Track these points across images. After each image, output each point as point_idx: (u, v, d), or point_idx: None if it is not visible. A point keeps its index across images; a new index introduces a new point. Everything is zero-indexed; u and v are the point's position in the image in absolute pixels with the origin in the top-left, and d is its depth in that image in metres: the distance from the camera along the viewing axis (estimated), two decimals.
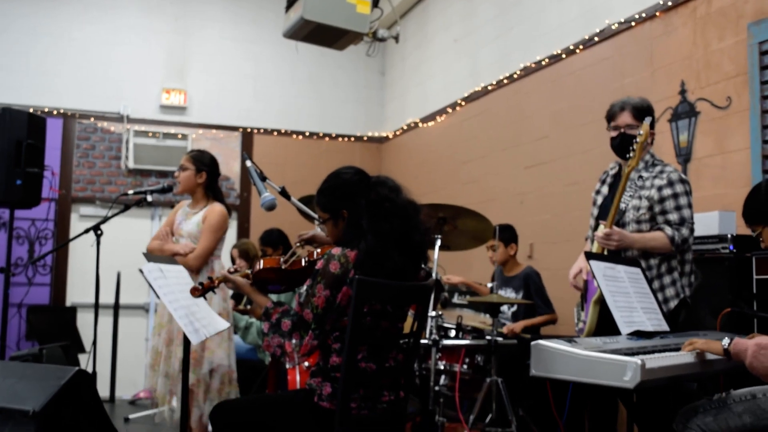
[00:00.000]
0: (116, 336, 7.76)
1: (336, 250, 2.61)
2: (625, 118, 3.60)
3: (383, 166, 9.09)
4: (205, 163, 4.45)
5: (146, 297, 8.41)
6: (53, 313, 7.52)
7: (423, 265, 2.80)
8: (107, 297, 7.47)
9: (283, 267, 2.84)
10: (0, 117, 5.86)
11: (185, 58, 8.77)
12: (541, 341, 2.36)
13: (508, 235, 5.31)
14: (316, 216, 3.06)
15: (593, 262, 2.90)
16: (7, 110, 5.87)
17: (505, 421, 4.23)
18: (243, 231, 8.72)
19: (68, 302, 8.12)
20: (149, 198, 4.41)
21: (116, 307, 7.76)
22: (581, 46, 5.69)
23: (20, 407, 2.46)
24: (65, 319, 7.03)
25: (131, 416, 6.50)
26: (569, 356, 2.30)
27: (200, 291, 2.78)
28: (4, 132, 5.79)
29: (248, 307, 5.56)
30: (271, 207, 3.08)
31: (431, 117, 8.02)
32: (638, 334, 2.79)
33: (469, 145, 7.23)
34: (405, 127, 8.68)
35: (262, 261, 2.86)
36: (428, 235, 2.80)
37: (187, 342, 3.04)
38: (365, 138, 9.32)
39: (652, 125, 3.53)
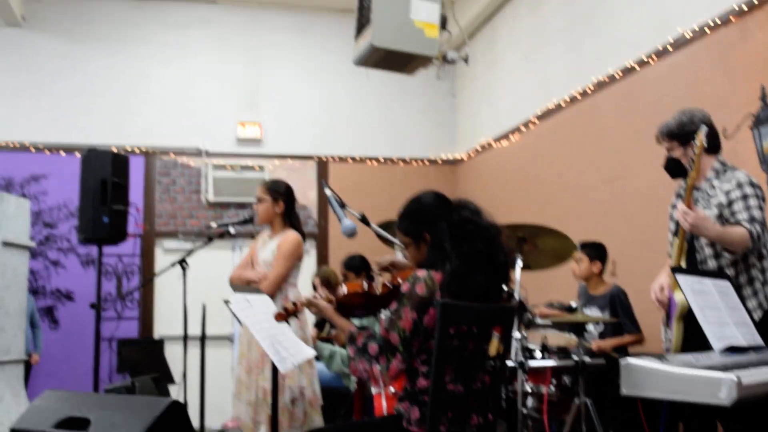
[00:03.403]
0: (203, 366, 7.89)
1: (421, 272, 2.62)
2: (664, 143, 3.68)
3: (458, 188, 9.07)
4: (280, 192, 4.52)
5: (231, 327, 8.55)
6: (143, 346, 7.71)
7: (505, 286, 2.79)
8: (193, 328, 7.63)
9: (367, 291, 2.87)
10: (86, 158, 6.10)
11: (258, 90, 8.96)
12: (630, 359, 2.31)
13: (593, 251, 5.22)
14: (396, 241, 3.07)
15: (680, 277, 2.83)
16: (93, 151, 6.10)
17: None
18: (322, 258, 8.81)
19: (156, 335, 8.32)
20: (232, 230, 4.51)
21: (203, 339, 7.89)
22: (654, 56, 5.59)
23: None
24: (154, 351, 7.20)
25: None
26: (660, 374, 2.24)
27: (284, 316, 2.82)
28: (90, 172, 6.02)
29: (332, 333, 5.59)
30: (351, 234, 3.11)
31: (504, 136, 7.99)
32: (731, 350, 2.70)
33: (544, 163, 7.17)
34: (479, 148, 8.66)
35: (345, 286, 2.89)
36: (510, 256, 2.79)
37: (275, 369, 3.08)
38: (439, 161, 9.33)
39: (714, 136, 3.48)
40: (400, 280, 2.87)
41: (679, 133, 3.57)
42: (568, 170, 6.75)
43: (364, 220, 3.32)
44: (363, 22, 5.96)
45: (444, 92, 9.45)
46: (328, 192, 3.23)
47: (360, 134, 9.19)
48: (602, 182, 6.22)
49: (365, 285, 2.90)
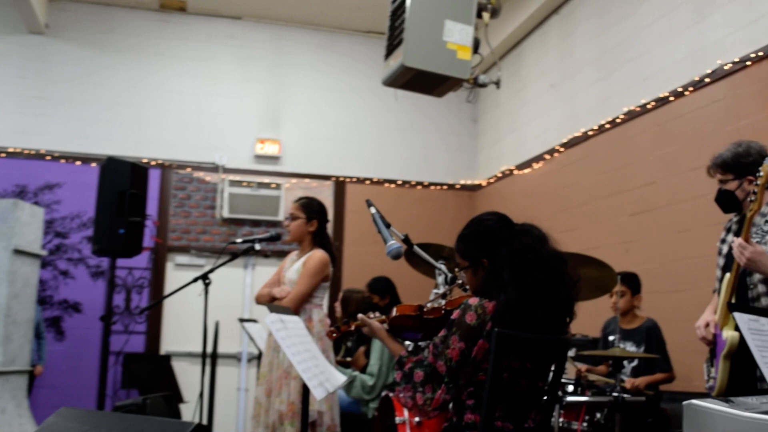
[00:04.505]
0: (213, 385, 7.73)
1: (473, 300, 2.47)
2: (717, 175, 3.53)
3: (476, 214, 8.93)
4: (315, 210, 4.41)
5: (239, 346, 8.40)
6: (151, 362, 7.56)
7: (569, 320, 2.61)
8: (199, 345, 7.49)
9: (419, 314, 2.72)
10: (105, 167, 5.97)
11: (279, 108, 8.87)
12: (694, 401, 2.16)
13: (635, 283, 5.07)
14: (437, 265, 2.94)
15: (738, 315, 2.68)
16: (112, 160, 5.98)
17: None
18: (335, 280, 8.66)
19: (162, 350, 8.17)
20: (257, 246, 4.38)
21: (214, 357, 7.74)
22: (691, 88, 5.48)
23: None
24: (163, 367, 7.04)
25: None
26: (730, 418, 2.09)
27: (338, 334, 2.71)
28: (109, 182, 5.89)
29: (348, 359, 5.45)
30: (397, 255, 2.97)
31: (527, 164, 7.87)
32: None
33: (568, 192, 7.04)
34: (499, 175, 8.54)
35: (396, 308, 2.75)
36: (575, 289, 2.59)
37: (304, 392, 2.94)
38: (458, 186, 9.20)
39: None
40: (456, 306, 2.72)
41: (735, 165, 3.43)
42: (594, 201, 6.62)
43: (407, 241, 3.18)
44: (394, 42, 5.83)
45: (465, 117, 9.35)
46: (373, 210, 3.10)
47: (379, 156, 9.08)
48: (630, 215, 6.09)
49: (418, 307, 2.75)
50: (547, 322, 2.51)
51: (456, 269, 2.89)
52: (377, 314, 2.90)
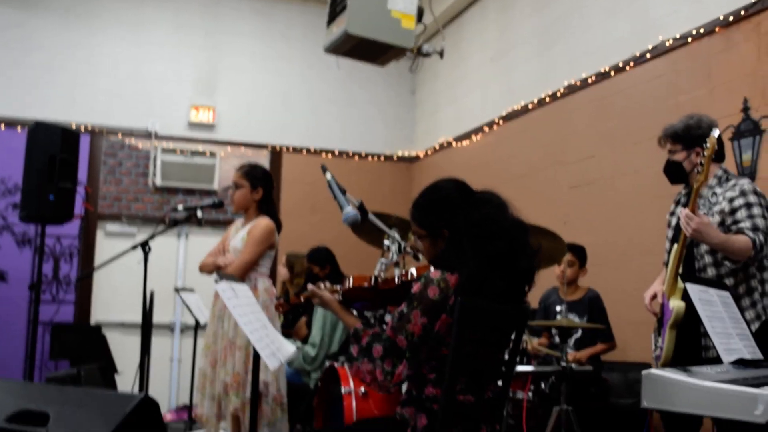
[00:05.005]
0: (148, 357, 7.56)
1: (435, 274, 2.40)
2: (668, 145, 3.57)
3: (414, 186, 8.93)
4: (259, 178, 4.31)
5: (172, 316, 8.24)
6: (82, 332, 7.35)
7: (527, 289, 2.57)
8: (134, 315, 7.32)
9: (374, 286, 2.63)
10: (33, 132, 5.74)
11: (214, 74, 8.66)
12: (653, 371, 2.17)
13: (583, 255, 5.12)
14: (390, 233, 2.88)
15: (689, 285, 2.71)
16: (41, 125, 5.75)
17: None
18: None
19: (92, 321, 7.96)
20: (199, 214, 4.27)
21: (148, 327, 7.55)
22: (632, 63, 5.53)
23: None
24: (94, 338, 6.85)
25: None
26: (690, 388, 2.11)
27: (286, 307, 2.61)
28: (38, 147, 5.67)
29: (288, 330, 5.38)
30: (354, 222, 2.90)
31: (466, 136, 7.87)
32: (738, 363, 2.61)
33: (507, 165, 7.07)
34: (437, 147, 8.53)
35: (351, 278, 2.65)
36: (536, 259, 2.55)
37: (255, 361, 2.87)
38: (395, 157, 9.16)
39: (721, 143, 3.39)
40: (410, 277, 2.65)
41: (684, 136, 3.47)
42: (533, 173, 6.66)
43: (362, 208, 3.11)
44: (337, 8, 5.75)
45: (404, 88, 9.30)
46: (328, 176, 3.02)
47: (316, 126, 8.97)
48: (569, 187, 6.15)
49: (372, 279, 2.66)
50: (508, 293, 2.47)
51: (410, 238, 2.84)
52: (327, 284, 2.82)
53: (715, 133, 3.18)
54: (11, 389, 2.63)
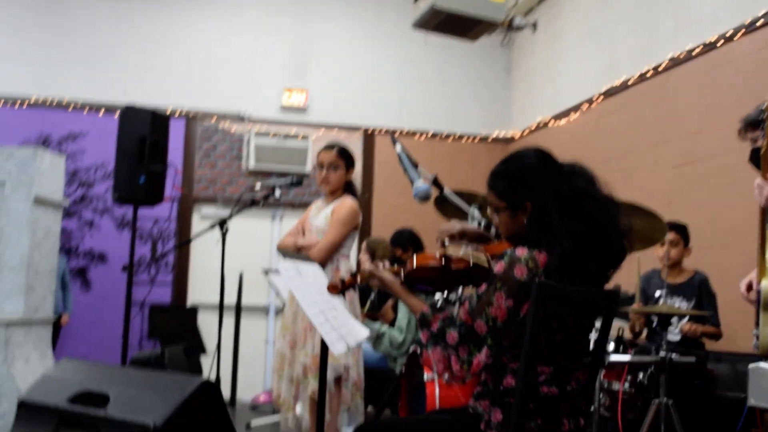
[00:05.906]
0: (238, 338, 7.63)
1: (521, 252, 2.17)
2: (748, 135, 3.39)
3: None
4: (351, 158, 4.25)
5: (266, 298, 8.27)
6: (175, 313, 7.46)
7: (612, 274, 2.32)
8: (228, 297, 7.36)
9: (444, 265, 2.36)
10: (123, 115, 5.84)
11: (305, 57, 8.61)
12: (762, 364, 1.93)
13: (686, 234, 4.78)
14: (469, 207, 2.67)
15: None
16: (131, 108, 5.85)
17: None
18: (363, 234, 8.46)
19: (189, 302, 8.07)
20: (277, 193, 4.18)
21: (238, 309, 7.61)
22: (742, 31, 5.14)
23: (141, 420, 2.21)
24: (187, 319, 6.93)
25: (253, 423, 6.29)
26: None
27: (339, 288, 2.39)
28: (128, 130, 5.77)
29: (377, 312, 5.24)
30: (425, 197, 2.71)
31: (564, 114, 7.55)
32: None
33: (607, 144, 6.73)
34: (534, 126, 8.24)
35: (415, 257, 2.39)
36: (628, 239, 2.29)
37: (323, 344, 2.74)
38: (490, 138, 8.90)
39: None
40: (486, 256, 2.42)
41: (761, 119, 3.19)
42: (634, 152, 6.32)
43: (437, 183, 2.91)
44: None
45: (499, 66, 9.00)
46: (398, 149, 2.84)
47: (409, 107, 8.80)
48: (673, 166, 5.79)
49: (442, 258, 2.43)
50: (599, 277, 2.25)
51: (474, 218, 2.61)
52: (386, 264, 2.61)
53: None
54: (78, 370, 2.60)
